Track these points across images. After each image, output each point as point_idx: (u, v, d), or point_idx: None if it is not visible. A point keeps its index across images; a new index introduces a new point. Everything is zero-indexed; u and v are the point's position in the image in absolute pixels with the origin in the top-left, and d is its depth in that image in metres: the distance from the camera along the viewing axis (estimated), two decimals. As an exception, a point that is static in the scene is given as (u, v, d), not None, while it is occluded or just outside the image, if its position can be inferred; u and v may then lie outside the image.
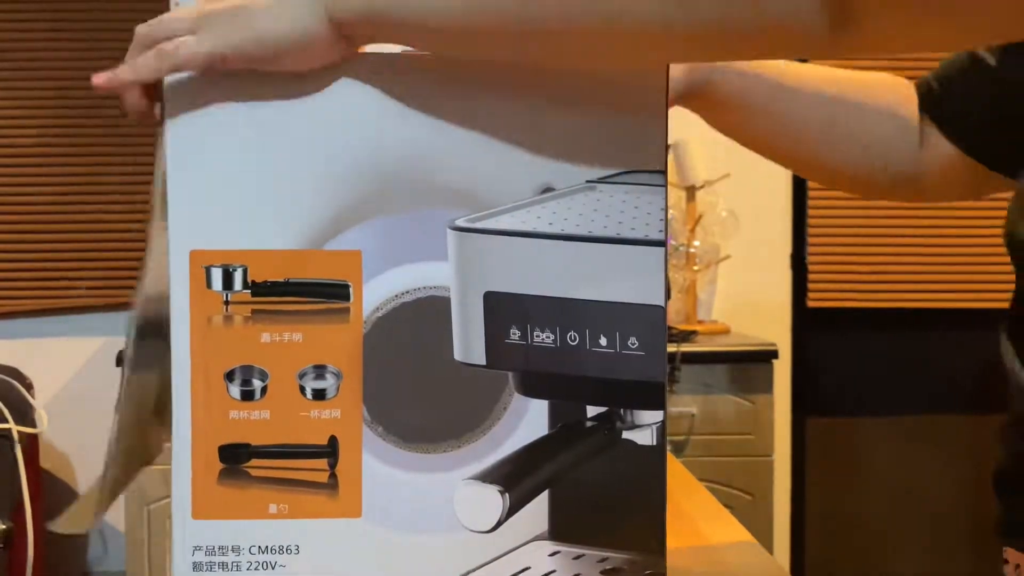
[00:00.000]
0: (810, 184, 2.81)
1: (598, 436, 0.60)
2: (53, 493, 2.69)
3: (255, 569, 0.59)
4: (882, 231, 2.81)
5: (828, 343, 2.90)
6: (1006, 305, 0.76)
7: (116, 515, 2.64)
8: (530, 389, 0.59)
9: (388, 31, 0.59)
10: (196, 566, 0.59)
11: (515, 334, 0.58)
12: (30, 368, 2.52)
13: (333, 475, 0.59)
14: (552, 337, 0.58)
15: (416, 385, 0.59)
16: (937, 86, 0.83)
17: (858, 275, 2.84)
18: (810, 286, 2.85)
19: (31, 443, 2.37)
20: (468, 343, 0.59)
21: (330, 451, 0.59)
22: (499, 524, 0.57)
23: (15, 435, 2.29)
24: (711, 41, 0.55)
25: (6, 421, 2.28)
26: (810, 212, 2.84)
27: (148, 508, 2.34)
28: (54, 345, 2.75)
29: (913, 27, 0.52)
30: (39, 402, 2.45)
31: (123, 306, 3.05)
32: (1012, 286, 0.76)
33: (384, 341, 0.59)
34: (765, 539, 2.43)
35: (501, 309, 0.58)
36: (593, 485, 0.60)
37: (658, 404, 0.59)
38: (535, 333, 0.58)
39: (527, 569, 0.60)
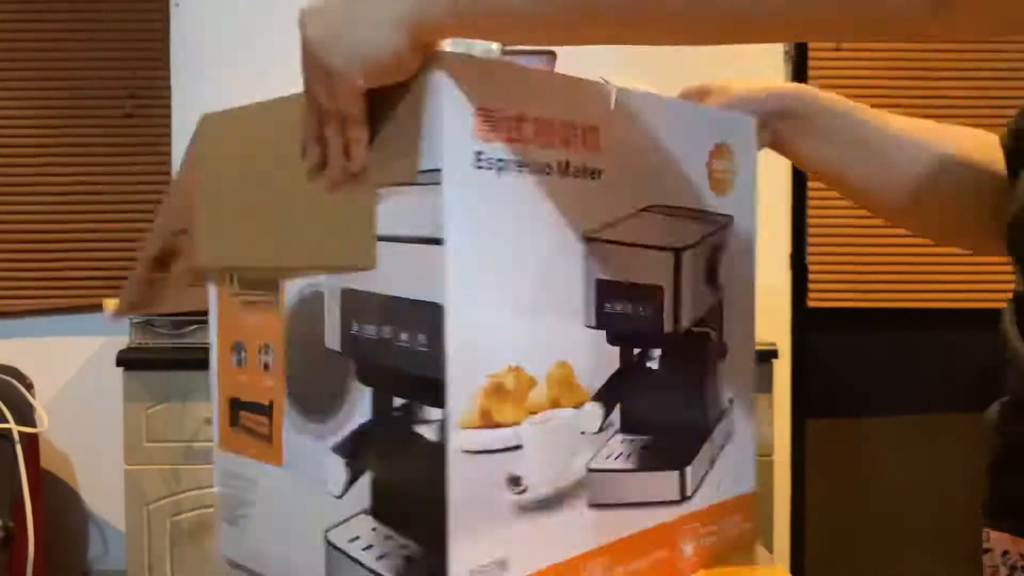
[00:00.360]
0: (810, 184, 2.81)
1: (400, 426, 0.64)
2: (53, 493, 2.70)
3: (241, 491, 0.78)
4: (882, 231, 2.81)
5: (828, 343, 2.90)
6: (1005, 305, 0.76)
7: (116, 515, 2.65)
8: (361, 377, 0.66)
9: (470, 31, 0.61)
10: (222, 484, 0.80)
11: (354, 327, 0.66)
12: (30, 368, 2.52)
13: (270, 431, 0.75)
14: (374, 330, 0.65)
15: (306, 365, 0.71)
16: None
17: (858, 275, 2.84)
18: (810, 286, 2.85)
19: (31, 443, 2.37)
20: (332, 333, 0.68)
21: (269, 411, 0.75)
22: (345, 492, 0.67)
23: (15, 435, 2.30)
24: (818, 23, 0.56)
25: (6, 421, 2.28)
26: (810, 212, 2.84)
27: (148, 508, 2.35)
28: (54, 345, 2.76)
29: (1003, 7, 0.53)
30: (39, 402, 2.45)
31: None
32: (1011, 286, 0.76)
33: (294, 328, 0.71)
34: (765, 539, 2.43)
35: (348, 303, 0.66)
36: (392, 473, 0.65)
37: (440, 401, 0.61)
38: (363, 326, 0.65)
39: (358, 538, 0.67)
